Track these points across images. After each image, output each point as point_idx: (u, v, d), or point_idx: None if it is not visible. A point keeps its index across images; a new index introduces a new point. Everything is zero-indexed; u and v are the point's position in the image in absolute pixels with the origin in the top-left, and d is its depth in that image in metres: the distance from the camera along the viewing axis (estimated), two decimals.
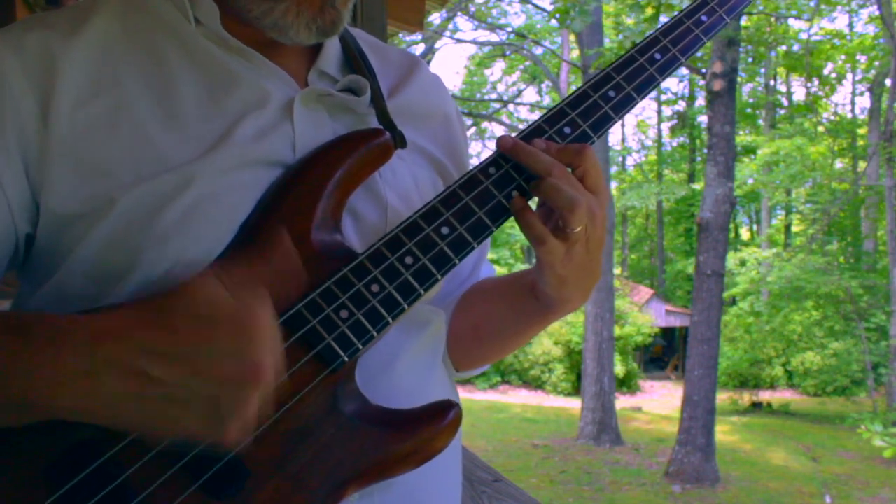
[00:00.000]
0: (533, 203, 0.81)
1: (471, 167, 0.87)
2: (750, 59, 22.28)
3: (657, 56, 0.86)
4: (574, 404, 16.20)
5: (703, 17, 0.89)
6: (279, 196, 0.74)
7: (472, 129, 26.17)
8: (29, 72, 0.72)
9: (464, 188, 0.78)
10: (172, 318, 0.57)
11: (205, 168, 0.72)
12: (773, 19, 14.73)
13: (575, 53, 18.25)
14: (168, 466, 0.63)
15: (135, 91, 0.74)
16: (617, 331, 17.28)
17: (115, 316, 0.59)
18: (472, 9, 19.23)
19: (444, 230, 0.76)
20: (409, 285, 0.73)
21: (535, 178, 0.79)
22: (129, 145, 0.72)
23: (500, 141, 0.80)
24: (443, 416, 0.73)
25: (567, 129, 0.81)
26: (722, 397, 16.57)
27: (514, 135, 0.81)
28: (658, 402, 18.53)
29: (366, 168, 0.78)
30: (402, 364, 0.82)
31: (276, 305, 0.69)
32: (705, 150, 12.20)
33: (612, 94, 0.83)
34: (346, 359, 0.70)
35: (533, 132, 0.81)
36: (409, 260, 0.74)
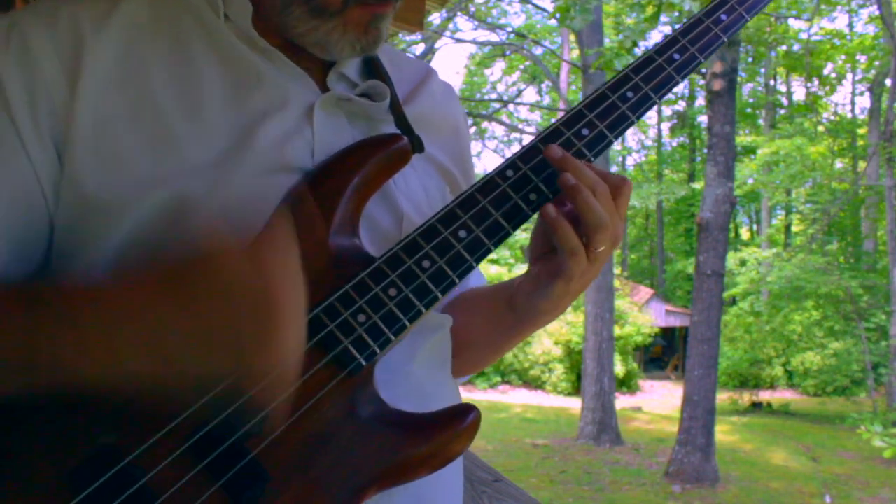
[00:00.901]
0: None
1: (473, 170, 0.86)
2: (750, 59, 22.28)
3: (676, 56, 0.85)
4: (574, 404, 16.19)
5: (723, 16, 0.89)
6: (299, 201, 0.74)
7: (473, 129, 26.17)
8: (60, 50, 0.72)
9: (481, 191, 0.78)
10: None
11: (229, 174, 0.72)
12: (773, 19, 14.72)
13: (575, 53, 18.24)
14: (188, 469, 0.63)
15: (159, 81, 0.74)
16: (617, 331, 17.28)
17: None
18: (472, 9, 19.23)
19: (462, 233, 0.76)
20: (426, 288, 0.73)
21: (554, 179, 0.79)
22: (150, 137, 0.72)
23: (550, 150, 0.78)
24: (462, 419, 0.73)
25: (585, 131, 0.81)
26: (722, 397, 16.57)
27: (530, 139, 0.81)
28: (658, 402, 18.53)
29: (383, 173, 0.78)
30: (417, 366, 0.82)
31: None
32: (705, 150, 12.19)
33: (630, 94, 0.83)
34: (363, 362, 0.70)
35: (550, 134, 0.81)
36: (426, 263, 0.74)
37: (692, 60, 0.86)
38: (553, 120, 0.83)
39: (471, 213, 0.76)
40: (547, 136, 0.81)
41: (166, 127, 0.73)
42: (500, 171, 0.79)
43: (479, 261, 0.76)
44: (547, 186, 0.79)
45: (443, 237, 0.75)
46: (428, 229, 0.75)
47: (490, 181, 0.78)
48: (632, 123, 0.83)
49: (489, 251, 0.77)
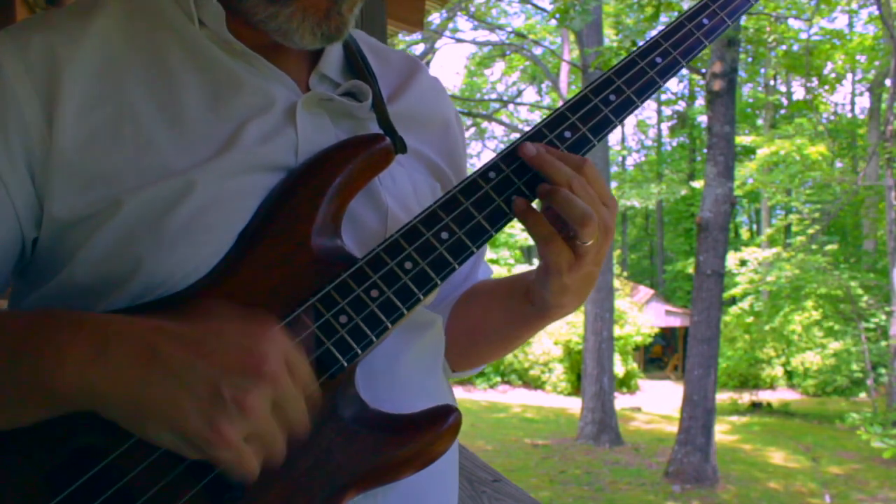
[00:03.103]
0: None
1: (469, 169, 0.86)
2: (750, 59, 22.27)
3: (658, 59, 0.85)
4: (574, 404, 16.19)
5: (705, 20, 0.88)
6: (280, 201, 0.74)
7: (472, 130, 26.13)
8: (33, 76, 0.72)
9: (463, 193, 0.77)
10: (187, 313, 0.61)
11: (208, 173, 0.72)
12: (773, 19, 14.72)
13: (575, 53, 18.24)
14: (169, 470, 0.63)
15: (138, 96, 0.74)
16: (617, 331, 17.27)
17: (133, 313, 0.63)
18: (472, 9, 19.22)
19: (444, 235, 0.75)
20: (409, 290, 0.73)
21: (536, 181, 0.78)
22: (133, 152, 0.72)
23: (523, 149, 0.78)
24: (443, 420, 0.73)
25: (567, 134, 0.81)
26: (722, 397, 16.57)
27: (520, 138, 0.81)
28: (658, 402, 18.52)
29: (366, 173, 0.78)
30: (404, 366, 0.82)
31: (277, 310, 0.69)
32: (705, 150, 12.19)
33: (612, 97, 0.83)
34: (345, 364, 0.70)
35: (533, 137, 0.81)
36: (408, 265, 0.74)
37: (674, 65, 0.86)
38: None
39: (453, 215, 0.76)
40: (529, 139, 0.80)
41: (149, 139, 0.73)
42: (483, 173, 0.79)
43: (461, 263, 0.76)
44: (529, 189, 0.79)
45: (424, 239, 0.75)
46: (410, 230, 0.75)
47: (472, 183, 0.78)
48: (614, 126, 0.83)
49: (472, 253, 0.76)
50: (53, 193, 0.71)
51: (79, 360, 0.58)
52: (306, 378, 0.62)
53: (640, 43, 0.87)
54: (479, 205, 0.77)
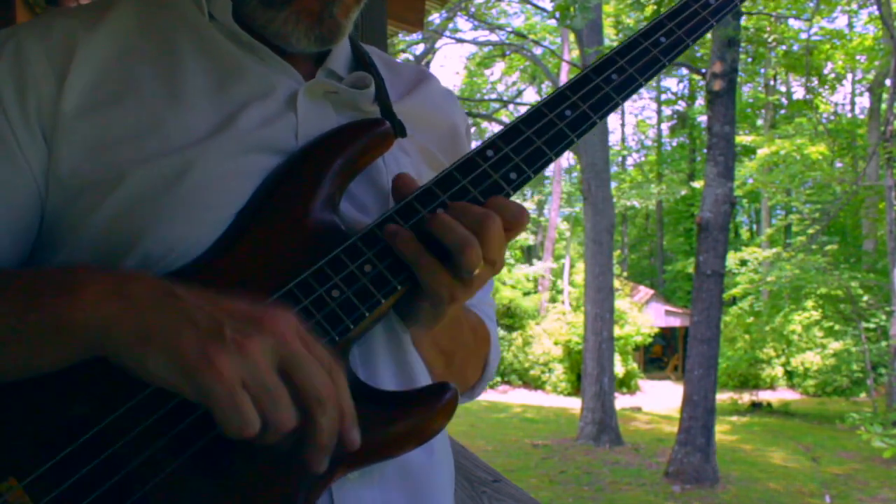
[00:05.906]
0: None
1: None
2: (750, 59, 22.27)
3: (662, 39, 0.86)
4: (574, 404, 16.20)
5: (711, 1, 0.89)
6: (280, 181, 0.75)
7: (472, 130, 26.09)
8: (52, 56, 0.76)
9: (460, 170, 0.77)
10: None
11: (209, 152, 0.74)
12: (772, 19, 14.72)
13: (575, 53, 18.23)
14: (155, 440, 0.63)
15: (145, 75, 0.78)
16: (617, 331, 17.28)
17: None
18: (472, 9, 19.22)
19: (440, 212, 0.74)
20: (401, 264, 0.73)
21: (533, 159, 0.78)
22: (135, 123, 0.75)
23: (388, 230, 0.73)
24: (438, 398, 0.72)
25: (567, 112, 0.80)
26: (722, 397, 16.57)
27: (519, 117, 0.80)
28: (658, 402, 18.53)
29: (366, 156, 0.79)
30: (399, 345, 0.82)
31: (271, 285, 0.70)
32: (705, 150, 12.18)
33: (614, 76, 0.82)
34: (336, 337, 0.70)
35: (532, 115, 0.80)
36: None
37: (679, 43, 0.86)
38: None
39: (450, 192, 0.76)
40: (529, 118, 0.80)
41: (151, 114, 0.75)
42: (480, 152, 0.78)
43: None
44: (528, 165, 0.78)
45: (420, 216, 0.74)
46: (405, 207, 0.75)
47: (469, 160, 0.77)
48: (616, 105, 0.82)
49: None
50: (59, 161, 0.73)
51: (96, 294, 0.61)
52: (320, 350, 0.62)
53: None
54: (475, 181, 0.76)
